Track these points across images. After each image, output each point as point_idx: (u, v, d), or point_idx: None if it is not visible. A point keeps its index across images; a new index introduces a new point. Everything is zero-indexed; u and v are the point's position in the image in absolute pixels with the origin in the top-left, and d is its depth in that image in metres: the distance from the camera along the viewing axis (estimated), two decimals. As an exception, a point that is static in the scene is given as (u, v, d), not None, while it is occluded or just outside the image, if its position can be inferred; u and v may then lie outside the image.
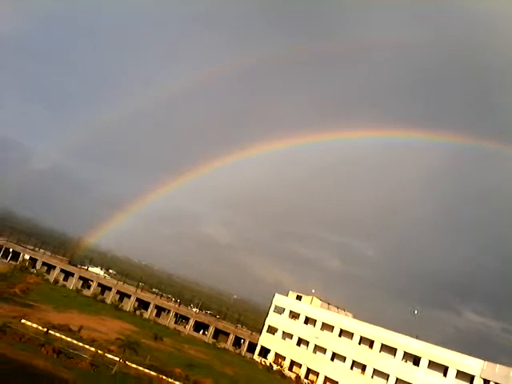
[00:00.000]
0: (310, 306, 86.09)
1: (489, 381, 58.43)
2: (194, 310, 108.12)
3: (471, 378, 61.02)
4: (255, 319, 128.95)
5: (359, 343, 74.74)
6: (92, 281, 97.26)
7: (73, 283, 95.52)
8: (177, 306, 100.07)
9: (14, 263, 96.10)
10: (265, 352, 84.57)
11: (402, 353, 68.80)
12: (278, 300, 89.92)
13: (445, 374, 63.69)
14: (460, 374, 62.06)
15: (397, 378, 67.35)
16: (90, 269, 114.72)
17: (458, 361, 62.86)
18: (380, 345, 71.68)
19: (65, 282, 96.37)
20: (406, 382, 66.30)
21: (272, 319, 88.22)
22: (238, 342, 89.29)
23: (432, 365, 65.16)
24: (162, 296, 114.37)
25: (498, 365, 59.16)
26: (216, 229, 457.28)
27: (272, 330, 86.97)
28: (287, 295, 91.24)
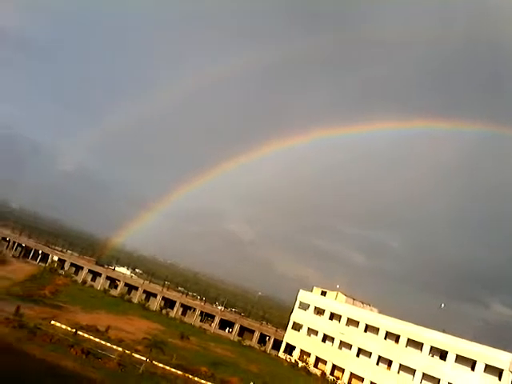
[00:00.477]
0: (335, 302, 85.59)
1: (518, 375, 57.09)
2: (220, 308, 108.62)
3: (500, 371, 59.73)
4: (280, 316, 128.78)
5: (385, 338, 73.98)
6: (119, 281, 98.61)
7: (100, 283, 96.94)
8: (202, 304, 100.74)
9: (43, 265, 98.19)
10: (290, 349, 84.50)
11: (429, 347, 67.76)
12: (303, 296, 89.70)
13: (473, 369, 62.41)
14: (488, 368, 60.79)
15: (423, 373, 66.39)
16: (116, 269, 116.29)
17: (486, 354, 61.58)
18: (406, 339, 70.77)
19: (92, 283, 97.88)
20: (432, 377, 65.29)
21: (297, 315, 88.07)
22: (263, 340, 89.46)
23: (459, 359, 63.94)
24: (187, 295, 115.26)
25: (528, 358, 57.76)
26: (239, 226, 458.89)
27: (297, 327, 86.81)
28: (312, 291, 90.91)
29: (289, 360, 79.46)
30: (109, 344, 46.40)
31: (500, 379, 59.38)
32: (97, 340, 46.55)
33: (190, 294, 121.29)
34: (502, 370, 59.40)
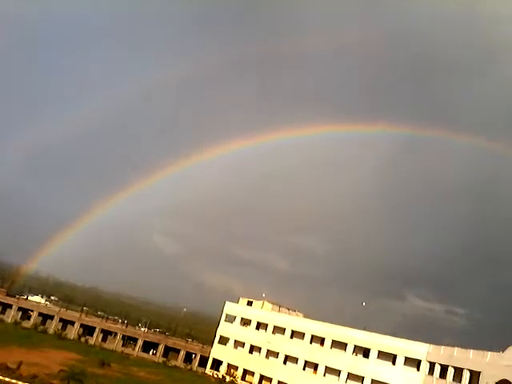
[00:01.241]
0: (261, 311, 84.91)
1: (434, 363, 59.52)
2: (143, 329, 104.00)
3: (418, 362, 62.05)
4: (207, 331, 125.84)
5: (310, 342, 74.29)
6: (32, 311, 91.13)
7: (11, 316, 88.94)
8: (124, 327, 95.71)
9: None
10: (217, 364, 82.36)
11: (353, 347, 68.93)
12: (229, 308, 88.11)
13: (394, 363, 64.36)
14: (408, 361, 62.96)
15: (348, 373, 67.28)
16: (29, 298, 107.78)
17: (405, 348, 63.76)
18: (330, 341, 71.52)
19: (2, 316, 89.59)
20: (357, 375, 66.38)
21: (223, 329, 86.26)
22: (189, 358, 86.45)
23: (381, 355, 65.67)
24: (108, 319, 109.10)
25: (442, 347, 60.37)
26: (162, 240, 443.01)
27: (224, 341, 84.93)
28: (238, 302, 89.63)
29: (216, 376, 77.22)
30: (20, 382, 41.91)
31: (418, 369, 61.69)
32: (7, 380, 41.88)
33: (110, 318, 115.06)
34: (420, 361, 61.75)
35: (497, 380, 47.54)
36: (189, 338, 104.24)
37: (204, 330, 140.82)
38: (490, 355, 51.17)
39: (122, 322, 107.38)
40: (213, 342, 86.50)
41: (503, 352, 49.73)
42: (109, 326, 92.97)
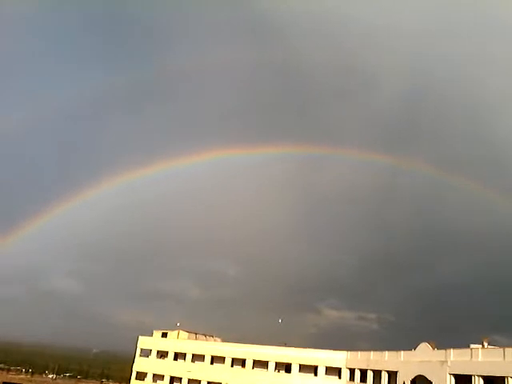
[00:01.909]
0: (177, 341, 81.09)
1: (354, 369, 60.22)
2: (51, 376, 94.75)
3: (339, 370, 62.51)
4: (123, 369, 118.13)
5: (232, 365, 72.10)
6: None
7: None
8: (29, 377, 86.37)
9: None
10: (137, 401, 76.98)
11: (274, 364, 67.93)
12: (143, 342, 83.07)
13: (315, 374, 64.32)
14: (329, 370, 63.27)
15: (273, 390, 66.12)
16: None
17: (325, 357, 64.06)
18: (252, 361, 69.99)
19: None
20: (281, 391, 65.38)
21: (139, 364, 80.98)
22: (105, 399, 79.88)
23: (303, 368, 65.38)
24: (9, 370, 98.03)
25: (359, 352, 61.37)
26: (65, 281, 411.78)
27: (141, 376, 79.68)
28: (152, 335, 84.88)
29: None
30: None
31: (340, 377, 62.10)
32: None
33: (13, 368, 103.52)
34: (341, 369, 62.23)
35: (412, 377, 48.74)
36: (103, 378, 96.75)
37: (119, 368, 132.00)
38: (403, 354, 52.52)
39: (27, 371, 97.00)
40: (129, 380, 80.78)
41: (415, 350, 51.27)
42: (11, 377, 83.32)
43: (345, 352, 63.11)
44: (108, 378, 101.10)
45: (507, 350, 38.38)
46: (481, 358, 40.65)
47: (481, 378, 39.82)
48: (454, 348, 44.54)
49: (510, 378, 36.72)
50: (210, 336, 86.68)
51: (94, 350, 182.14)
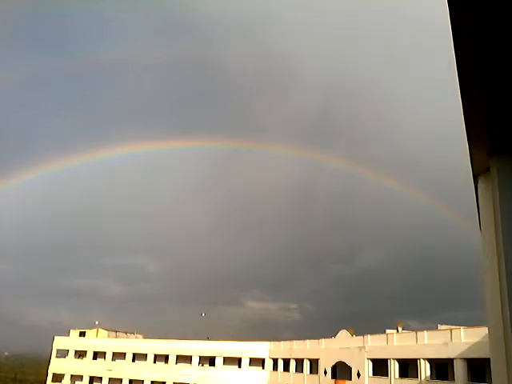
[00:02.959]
0: (96, 340, 76.98)
1: (277, 359, 60.52)
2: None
3: (262, 361, 62.53)
4: (37, 372, 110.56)
5: (154, 362, 69.68)
6: None
7: None
8: None
9: None
10: (53, 404, 72.21)
11: (198, 358, 66.52)
12: (59, 342, 77.99)
13: (239, 365, 63.84)
14: (253, 361, 63.05)
15: (196, 384, 64.84)
16: None
17: (248, 349, 63.72)
18: (175, 357, 68.00)
19: None
20: (205, 384, 64.30)
21: (56, 365, 75.98)
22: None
23: (227, 361, 64.62)
24: None
25: (282, 342, 61.74)
26: None
27: (58, 378, 74.83)
28: (69, 335, 80.00)
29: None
30: None
31: (263, 368, 62.13)
32: None
33: None
34: (264, 359, 62.26)
35: (333, 363, 49.74)
36: (15, 382, 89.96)
37: (34, 371, 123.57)
38: (324, 342, 53.50)
39: None
40: (45, 382, 75.59)
41: (335, 337, 52.39)
42: None
43: (268, 343, 63.22)
44: (21, 382, 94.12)
45: (419, 333, 40.14)
46: (396, 343, 42.24)
47: (396, 361, 41.38)
48: (371, 334, 46.00)
49: (421, 360, 38.39)
50: (131, 333, 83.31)
51: (5, 353, 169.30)
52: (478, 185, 4.62)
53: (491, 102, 3.32)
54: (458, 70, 2.93)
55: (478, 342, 31.64)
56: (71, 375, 74.16)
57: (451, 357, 34.94)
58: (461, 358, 34.11)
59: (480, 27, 2.70)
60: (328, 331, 56.17)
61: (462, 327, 35.95)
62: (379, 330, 47.67)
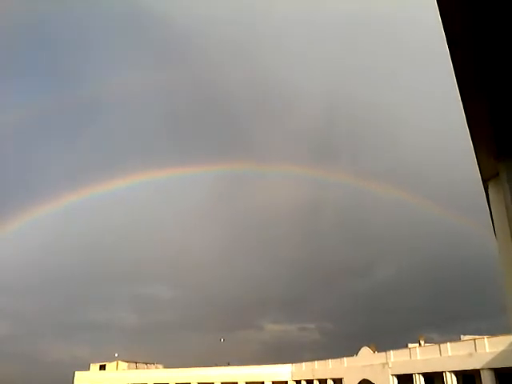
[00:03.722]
0: (116, 372, 76.28)
1: (299, 380, 59.51)
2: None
3: (285, 383, 61.54)
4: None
5: (176, 391, 68.83)
6: None
7: None
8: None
9: None
10: None
11: (220, 384, 65.70)
12: (80, 378, 77.28)
13: (262, 390, 62.82)
14: (275, 384, 62.07)
15: (220, 412, 63.82)
16: None
17: (270, 372, 62.69)
18: (196, 385, 67.19)
19: None
20: (229, 412, 63.24)
21: (78, 401, 75.36)
22: None
23: (249, 385, 63.68)
24: None
25: (303, 363, 60.73)
26: None
27: (82, 413, 74.19)
28: (89, 369, 79.44)
29: None
30: None
31: (286, 391, 61.12)
32: None
33: None
34: (287, 382, 61.21)
35: (357, 382, 48.72)
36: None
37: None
38: (346, 360, 52.54)
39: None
40: (68, 419, 74.92)
41: (357, 355, 51.47)
42: None
43: (290, 365, 62.20)
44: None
45: (442, 345, 39.27)
46: (419, 357, 41.32)
47: (421, 376, 40.41)
48: (393, 349, 45.10)
49: (447, 372, 37.46)
50: (151, 364, 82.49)
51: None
52: (489, 190, 4.57)
53: (493, 107, 3.31)
54: (456, 75, 2.93)
55: (504, 350, 30.89)
56: (94, 410, 73.47)
57: (477, 368, 34.04)
58: (487, 369, 33.22)
59: (474, 30, 2.71)
60: (348, 348, 55.32)
61: (485, 336, 35.13)
62: (400, 344, 46.81)
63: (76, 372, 78.08)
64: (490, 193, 4.62)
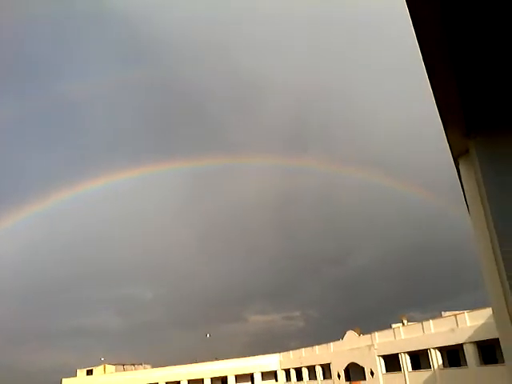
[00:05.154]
0: (104, 376, 75.58)
1: (288, 369, 59.98)
2: None
3: (274, 373, 61.96)
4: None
5: (166, 390, 68.65)
6: None
7: None
8: None
9: None
10: None
11: (210, 380, 65.64)
12: (67, 384, 76.50)
13: (252, 381, 63.13)
14: (265, 375, 62.45)
15: (211, 406, 63.97)
16: None
17: (259, 363, 63.10)
18: (186, 382, 67.06)
19: None
20: (220, 406, 63.44)
21: (67, 408, 74.45)
22: None
23: (239, 378, 63.89)
24: None
25: (290, 352, 61.21)
26: None
27: (72, 420, 73.34)
28: (76, 375, 78.49)
29: None
30: None
31: (276, 380, 61.54)
32: None
33: None
34: (276, 371, 61.68)
35: (345, 365, 49.39)
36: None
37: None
38: (332, 345, 53.16)
39: None
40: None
41: (343, 339, 52.10)
42: None
43: (277, 354, 62.67)
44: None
45: (425, 323, 40.07)
46: (403, 336, 42.09)
47: (406, 355, 41.22)
48: (377, 331, 45.82)
49: (431, 349, 38.26)
50: (139, 365, 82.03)
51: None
52: (460, 167, 4.62)
53: (462, 84, 3.33)
54: (421, 51, 2.91)
55: (484, 323, 31.70)
56: (85, 415, 72.76)
57: (460, 342, 34.89)
58: (470, 342, 34.07)
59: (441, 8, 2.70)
60: (334, 334, 56.09)
61: (466, 311, 35.96)
62: (384, 326, 47.49)
63: (63, 379, 77.04)
64: (461, 170, 4.66)
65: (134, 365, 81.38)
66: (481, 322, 32.49)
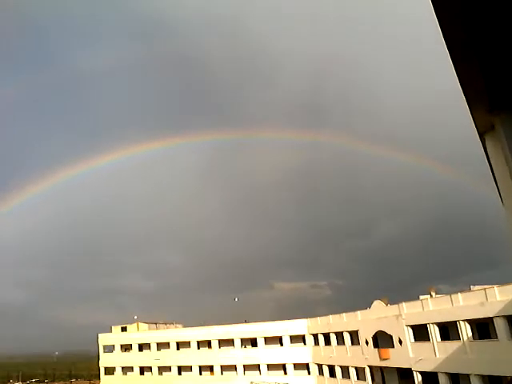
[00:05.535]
0: (138, 333, 79.14)
1: (316, 334, 60.99)
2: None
3: (303, 337, 63.18)
4: (89, 367, 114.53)
5: (198, 348, 71.32)
6: None
7: None
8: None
9: None
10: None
11: (239, 340, 67.67)
12: (103, 339, 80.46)
13: (281, 344, 64.63)
14: (293, 339, 63.71)
15: (244, 365, 66.18)
16: None
17: (287, 327, 64.34)
18: (217, 341, 69.39)
19: None
20: (251, 365, 65.48)
21: (105, 360, 78.62)
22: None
23: (268, 340, 65.46)
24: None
25: (318, 318, 62.11)
26: (9, 292, 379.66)
27: (110, 371, 77.66)
28: (111, 331, 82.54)
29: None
30: None
31: (305, 343, 62.88)
32: None
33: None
34: (304, 335, 62.90)
35: (373, 333, 49.83)
36: (72, 378, 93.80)
37: (86, 367, 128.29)
38: (360, 314, 53.49)
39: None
40: (99, 376, 78.71)
41: (370, 308, 52.34)
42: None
43: (305, 319, 63.69)
44: (77, 378, 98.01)
45: (453, 296, 39.75)
46: (432, 307, 41.93)
47: (435, 325, 41.14)
48: (405, 301, 45.79)
49: (460, 322, 38.08)
50: (170, 323, 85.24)
51: (56, 353, 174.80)
52: (486, 143, 4.58)
53: (484, 61, 3.30)
54: (443, 32, 2.90)
55: (515, 298, 31.25)
56: (122, 367, 76.69)
57: (490, 316, 34.58)
58: (500, 316, 33.72)
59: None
60: (360, 303, 56.23)
61: (495, 286, 35.44)
62: (411, 297, 47.34)
63: (99, 334, 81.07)
64: (487, 146, 4.63)
65: (166, 324, 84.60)
66: (511, 296, 32.03)
